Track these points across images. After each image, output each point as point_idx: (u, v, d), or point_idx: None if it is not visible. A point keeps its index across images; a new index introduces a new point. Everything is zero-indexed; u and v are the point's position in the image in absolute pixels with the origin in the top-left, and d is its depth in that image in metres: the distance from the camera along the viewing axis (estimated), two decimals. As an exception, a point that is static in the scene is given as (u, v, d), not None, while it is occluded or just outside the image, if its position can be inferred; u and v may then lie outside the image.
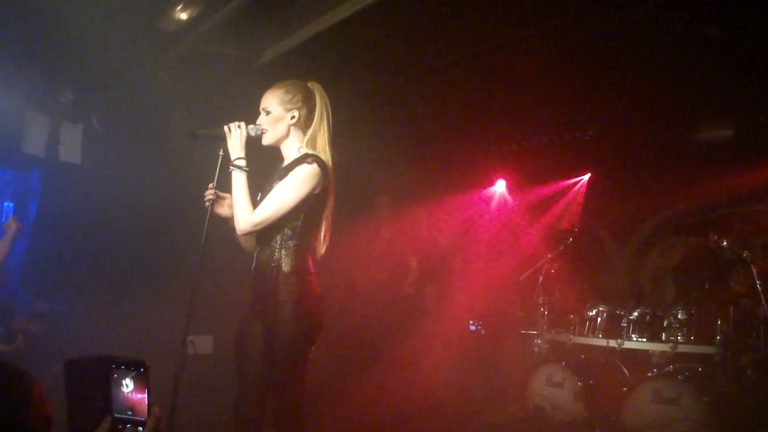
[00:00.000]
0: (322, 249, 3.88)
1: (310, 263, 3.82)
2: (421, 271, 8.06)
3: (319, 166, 3.68)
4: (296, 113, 3.82)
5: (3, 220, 8.57)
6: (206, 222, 3.74)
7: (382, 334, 7.69)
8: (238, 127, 3.78)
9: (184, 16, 5.88)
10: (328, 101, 3.90)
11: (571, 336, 6.92)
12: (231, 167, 3.73)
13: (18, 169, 8.17)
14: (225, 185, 3.78)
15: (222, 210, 3.88)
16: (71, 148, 7.36)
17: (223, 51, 6.62)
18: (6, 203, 9.04)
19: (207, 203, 3.79)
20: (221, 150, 3.77)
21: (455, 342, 8.11)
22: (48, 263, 7.42)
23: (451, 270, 8.37)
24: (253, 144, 3.82)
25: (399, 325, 7.70)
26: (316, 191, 3.71)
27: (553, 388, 6.56)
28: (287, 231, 3.73)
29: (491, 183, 9.74)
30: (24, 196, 8.60)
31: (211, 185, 3.81)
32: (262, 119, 3.86)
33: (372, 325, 7.86)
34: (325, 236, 3.87)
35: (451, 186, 9.20)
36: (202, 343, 7.22)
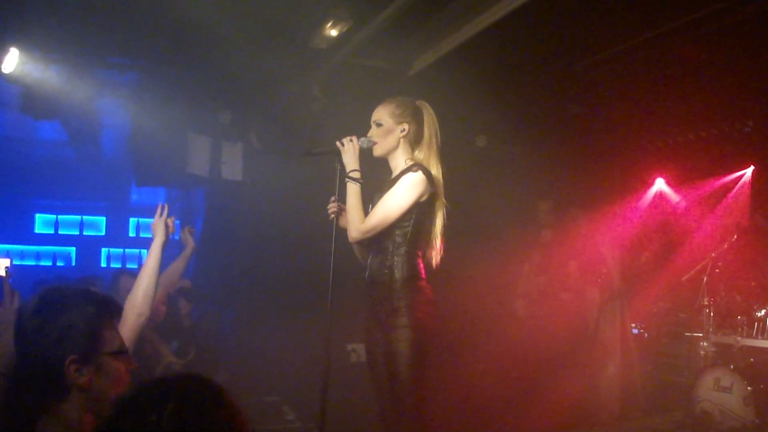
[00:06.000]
0: (436, 258, 4.07)
1: (422, 270, 4.00)
2: (581, 275, 8.06)
3: (424, 174, 3.91)
4: (406, 127, 4.07)
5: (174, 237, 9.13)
6: (333, 234, 3.99)
7: (542, 339, 7.68)
8: (350, 140, 4.05)
9: (334, 32, 6.01)
10: (435, 118, 4.15)
11: (739, 338, 6.79)
12: (346, 179, 4.01)
13: (183, 188, 8.72)
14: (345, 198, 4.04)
15: (344, 222, 4.12)
16: (232, 167, 7.74)
17: (373, 64, 6.84)
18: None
19: (331, 216, 4.08)
20: (337, 164, 4.05)
21: (617, 345, 8.02)
22: (215, 277, 7.83)
23: (613, 272, 8.28)
24: (365, 158, 4.07)
25: (560, 330, 7.67)
26: (423, 198, 3.93)
27: (721, 393, 6.42)
28: (398, 238, 3.94)
29: (650, 182, 9.64)
30: (189, 213, 9.13)
31: (333, 198, 4.10)
32: (372, 132, 4.12)
33: (532, 330, 7.86)
34: (439, 246, 4.05)
35: (609, 186, 9.16)
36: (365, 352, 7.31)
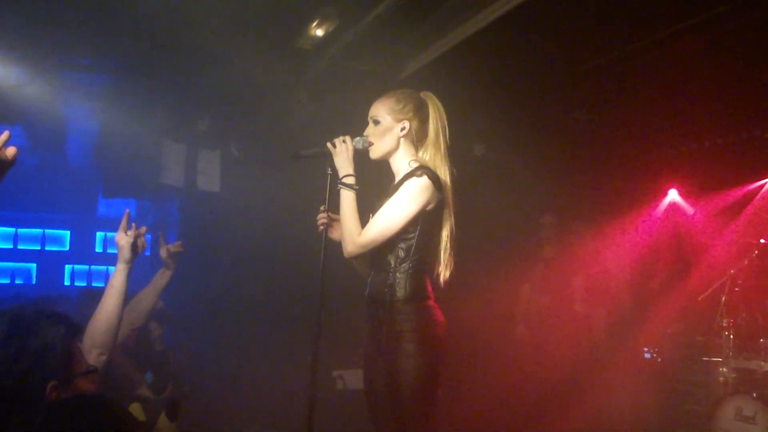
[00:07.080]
0: (445, 273, 3.77)
1: (429, 288, 3.72)
2: (587, 293, 7.93)
3: (430, 179, 3.61)
4: (407, 124, 3.80)
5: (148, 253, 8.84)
6: (322, 249, 3.72)
7: (545, 365, 7.50)
8: (343, 141, 3.78)
9: (320, 32, 5.97)
10: (443, 112, 3.88)
11: (763, 363, 6.57)
12: (339, 185, 3.73)
13: (155, 200, 8.59)
14: (338, 207, 3.79)
15: (336, 234, 3.89)
16: (210, 176, 7.65)
17: (362, 66, 6.70)
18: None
19: (320, 228, 3.81)
20: (329, 168, 3.78)
21: (629, 371, 7.88)
22: (190, 297, 7.63)
23: (622, 291, 8.09)
24: (362, 161, 3.85)
25: (564, 354, 7.50)
26: (429, 207, 3.63)
27: (744, 423, 6.22)
28: (401, 252, 3.66)
29: (662, 193, 9.52)
30: (162, 227, 8.91)
31: (322, 208, 3.83)
32: (369, 130, 3.86)
33: (535, 354, 7.70)
34: (447, 259, 3.77)
35: (617, 198, 9.09)
36: (352, 378, 7.19)
